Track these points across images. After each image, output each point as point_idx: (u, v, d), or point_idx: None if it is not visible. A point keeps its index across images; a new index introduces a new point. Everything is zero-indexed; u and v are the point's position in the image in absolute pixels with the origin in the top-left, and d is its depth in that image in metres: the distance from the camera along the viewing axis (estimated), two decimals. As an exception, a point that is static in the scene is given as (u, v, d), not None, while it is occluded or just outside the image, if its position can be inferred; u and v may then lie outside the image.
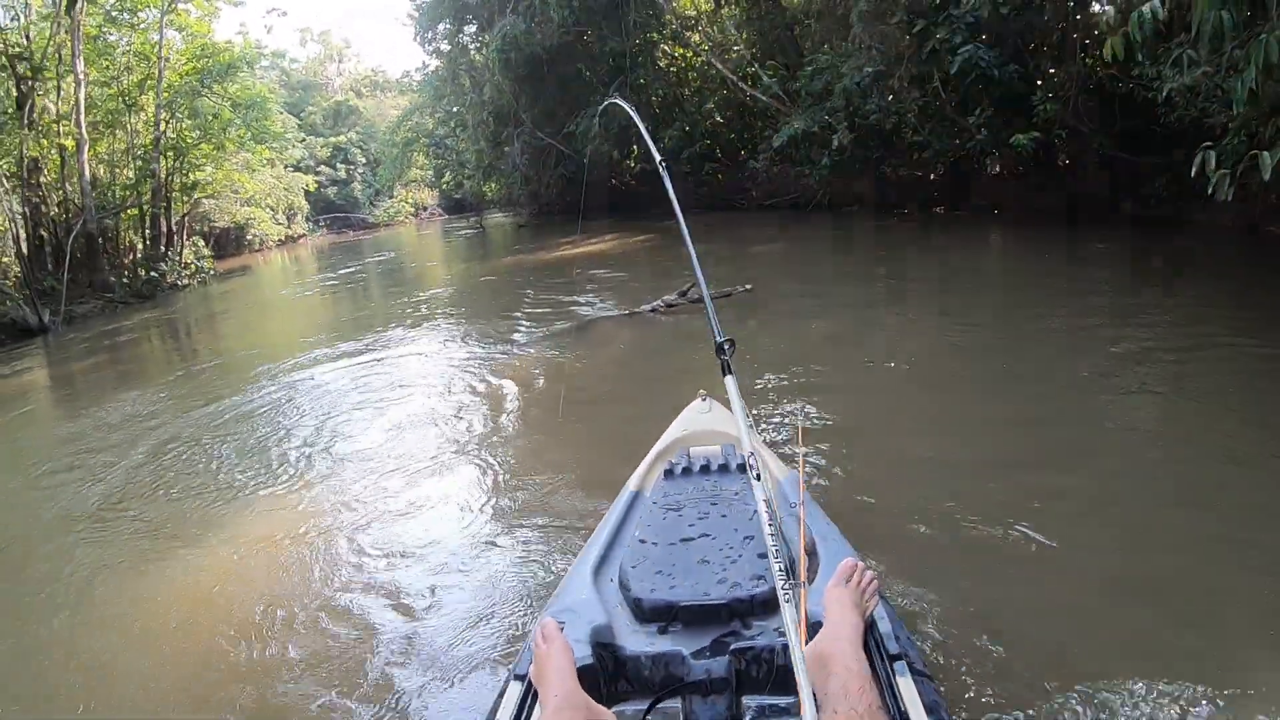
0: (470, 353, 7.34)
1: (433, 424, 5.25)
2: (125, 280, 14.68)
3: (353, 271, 18.94)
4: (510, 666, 1.82)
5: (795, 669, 1.24)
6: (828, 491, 3.44)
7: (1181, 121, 8.18)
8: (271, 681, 2.70)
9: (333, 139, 42.31)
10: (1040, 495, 3.23)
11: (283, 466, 4.83)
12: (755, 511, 1.91)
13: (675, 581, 1.85)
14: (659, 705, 1.59)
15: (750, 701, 1.59)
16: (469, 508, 3.81)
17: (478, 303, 10.87)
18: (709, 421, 2.76)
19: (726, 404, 2.83)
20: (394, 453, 4.74)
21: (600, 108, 18.70)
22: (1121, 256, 8.78)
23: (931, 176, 14.43)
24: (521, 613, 2.85)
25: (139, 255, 17.00)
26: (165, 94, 17.28)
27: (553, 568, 3.12)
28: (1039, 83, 11.36)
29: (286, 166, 32.41)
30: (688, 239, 2.10)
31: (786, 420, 4.02)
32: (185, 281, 17.48)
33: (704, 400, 2.87)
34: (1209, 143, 4.55)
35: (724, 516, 2.11)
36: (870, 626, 1.58)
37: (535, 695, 1.52)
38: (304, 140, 37.92)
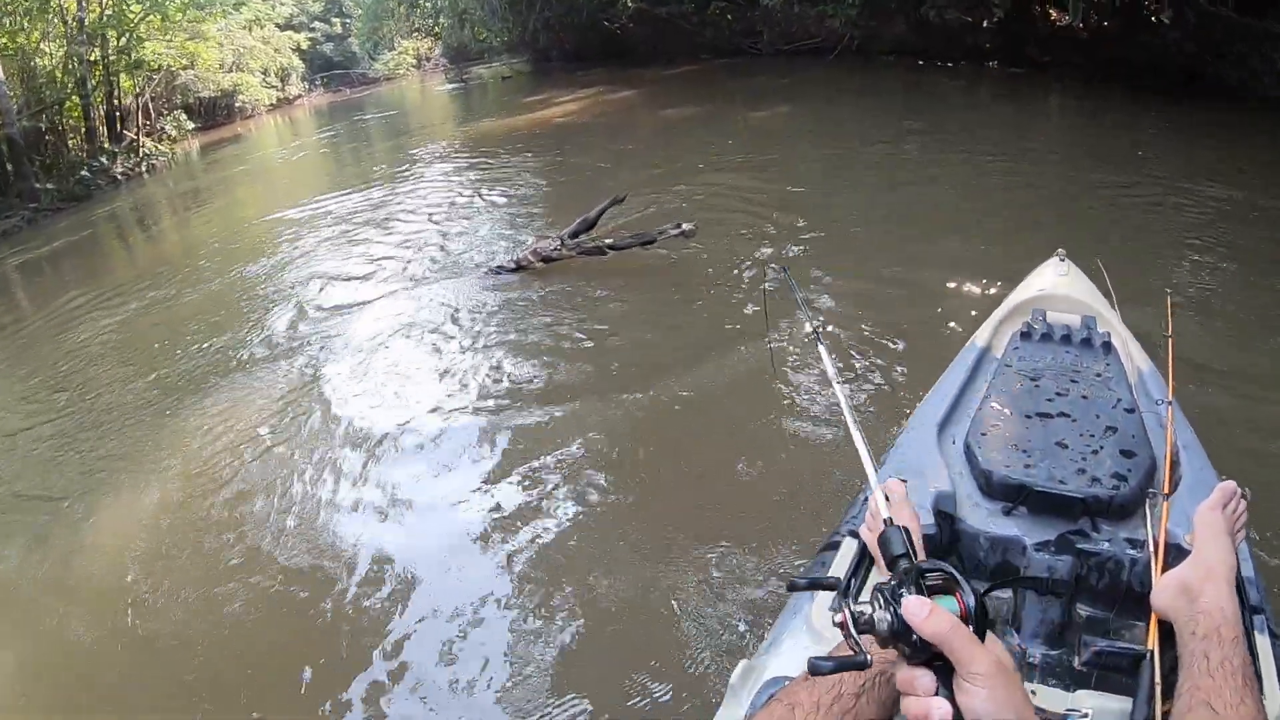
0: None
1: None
2: (51, 186, 13.27)
3: (320, 139, 17.32)
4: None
5: (1154, 594, 1.21)
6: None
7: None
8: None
9: (324, -9, 39.17)
10: None
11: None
12: (1119, 400, 1.82)
13: (1030, 460, 1.62)
14: (991, 593, 1.42)
15: (1084, 611, 1.42)
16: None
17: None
18: (1067, 286, 2.45)
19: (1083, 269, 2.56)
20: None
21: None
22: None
23: (984, 23, 11.57)
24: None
25: (76, 153, 15.52)
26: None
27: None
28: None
29: (275, 25, 30.18)
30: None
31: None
32: (136, 170, 15.74)
33: (1062, 261, 2.54)
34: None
35: (1084, 398, 1.84)
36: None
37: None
38: (293, -5, 35.13)
